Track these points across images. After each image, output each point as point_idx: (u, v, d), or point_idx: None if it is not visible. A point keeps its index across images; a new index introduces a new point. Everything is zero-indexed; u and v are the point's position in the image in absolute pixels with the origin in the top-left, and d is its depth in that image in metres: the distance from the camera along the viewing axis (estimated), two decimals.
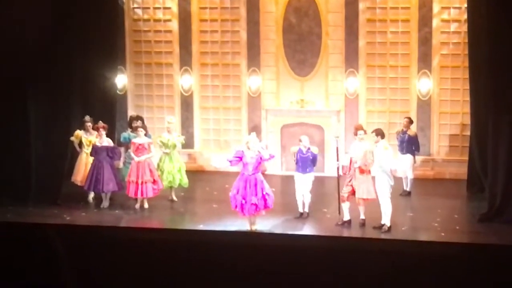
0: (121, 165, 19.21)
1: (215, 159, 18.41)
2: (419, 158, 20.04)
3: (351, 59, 21.77)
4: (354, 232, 15.72)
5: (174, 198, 18.43)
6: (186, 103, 22.99)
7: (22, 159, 17.83)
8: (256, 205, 15.36)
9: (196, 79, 22.84)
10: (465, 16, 19.57)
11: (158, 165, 18.13)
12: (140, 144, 17.64)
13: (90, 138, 18.35)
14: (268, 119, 22.40)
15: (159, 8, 22.80)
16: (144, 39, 23.03)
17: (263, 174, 16.25)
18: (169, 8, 22.67)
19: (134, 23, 23.05)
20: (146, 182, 17.48)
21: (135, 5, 23.00)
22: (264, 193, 15.45)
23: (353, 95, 21.91)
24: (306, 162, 16.54)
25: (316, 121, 22.09)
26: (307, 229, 16.13)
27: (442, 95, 21.46)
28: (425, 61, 21.34)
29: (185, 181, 18.39)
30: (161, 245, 6.12)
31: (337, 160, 16.67)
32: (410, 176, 19.02)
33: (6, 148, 17.70)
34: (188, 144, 21.55)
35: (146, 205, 17.70)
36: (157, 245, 6.12)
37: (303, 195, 16.61)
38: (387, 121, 21.52)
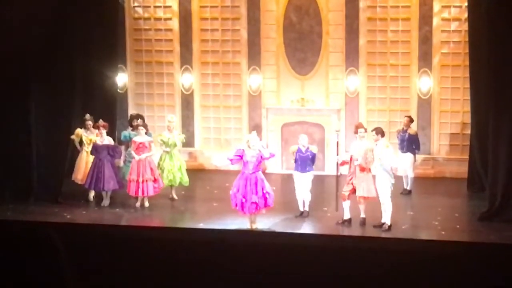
0: (121, 163, 19.21)
1: (216, 157, 18.42)
2: (419, 157, 20.04)
3: (351, 57, 21.77)
4: (355, 230, 15.72)
5: (175, 196, 18.43)
6: (187, 101, 22.99)
7: (23, 157, 17.85)
8: (256, 203, 15.36)
9: (196, 77, 22.84)
10: (466, 15, 19.57)
11: (159, 164, 18.13)
12: (140, 143, 17.65)
13: (91, 136, 18.35)
14: (269, 117, 22.39)
15: (159, 6, 22.79)
16: (144, 38, 23.03)
17: (263, 172, 16.26)
18: (169, 6, 22.67)
19: (135, 22, 23.05)
20: (146, 181, 17.48)
21: (136, 4, 22.99)
22: (264, 191, 15.45)
23: (354, 93, 21.91)
24: (305, 161, 16.53)
25: (316, 119, 22.08)
26: (308, 228, 16.13)
27: (443, 94, 21.46)
28: (425, 59, 21.34)
29: (186, 179, 18.39)
30: (162, 244, 6.12)
31: (337, 155, 16.68)
32: (411, 175, 19.02)
33: (7, 146, 17.71)
34: (188, 142, 21.57)
35: (146, 204, 17.70)
36: (157, 243, 6.13)
37: (303, 194, 16.60)
38: (388, 119, 21.53)
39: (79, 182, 18.50)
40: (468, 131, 19.85)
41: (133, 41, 23.10)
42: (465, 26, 19.82)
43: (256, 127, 21.12)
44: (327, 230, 15.84)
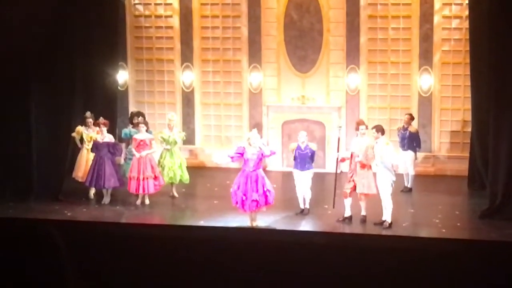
0: (122, 161, 19.21)
1: (216, 155, 18.39)
2: (420, 154, 20.02)
3: (352, 55, 21.76)
4: (355, 228, 15.72)
5: (175, 194, 18.43)
6: (187, 99, 22.99)
7: (24, 155, 17.84)
8: (257, 201, 15.36)
9: (197, 75, 22.84)
10: (467, 13, 19.56)
11: (159, 161, 18.13)
12: (141, 140, 17.64)
13: (91, 134, 18.35)
14: (269, 115, 22.39)
15: (160, 4, 22.79)
16: (145, 35, 23.03)
17: (264, 170, 16.26)
18: (170, 4, 22.66)
19: (135, 19, 23.05)
20: (147, 178, 17.48)
21: (136, 1, 22.99)
22: (265, 189, 15.45)
23: (354, 91, 21.91)
24: (305, 159, 16.48)
25: (317, 117, 22.07)
26: (308, 225, 16.13)
27: (443, 92, 21.45)
28: (426, 57, 21.33)
29: (186, 177, 18.39)
30: (162, 241, 6.12)
31: (337, 151, 16.68)
32: (411, 172, 19.02)
33: (7, 144, 17.71)
34: (189, 140, 21.59)
35: (147, 201, 17.70)
36: (158, 241, 6.13)
37: (303, 191, 16.59)
38: (388, 117, 21.53)
39: (80, 180, 18.50)
40: (469, 129, 19.85)
41: (134, 39, 23.09)
42: (466, 24, 19.82)
43: (256, 125, 21.07)
44: (328, 228, 15.84)
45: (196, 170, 21.02)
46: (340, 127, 18.09)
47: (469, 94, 19.26)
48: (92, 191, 18.29)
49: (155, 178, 17.61)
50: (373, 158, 15.62)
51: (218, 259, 5.88)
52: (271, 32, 22.22)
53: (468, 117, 19.95)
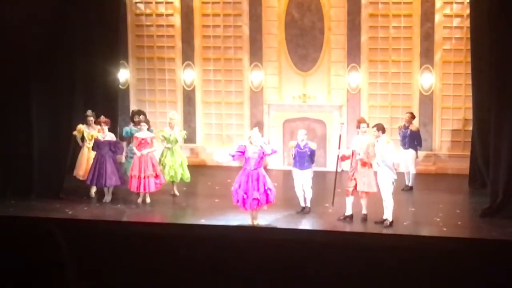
0: (123, 159, 19.22)
1: (217, 153, 18.43)
2: (421, 153, 20.02)
3: (353, 54, 21.76)
4: (356, 227, 15.72)
5: (176, 192, 18.44)
6: (188, 97, 23.00)
7: (25, 153, 17.87)
8: (258, 199, 15.36)
9: (198, 73, 22.84)
10: (468, 11, 19.58)
11: (160, 160, 18.13)
12: (143, 139, 17.65)
13: (92, 132, 18.36)
14: (270, 114, 22.40)
15: (161, 2, 22.79)
16: (146, 34, 23.03)
17: (264, 168, 16.26)
18: (171, 2, 22.67)
19: (136, 18, 23.05)
20: (148, 177, 17.48)
21: (137, 0, 22.99)
22: (266, 188, 15.45)
23: (355, 90, 21.91)
24: (304, 157, 16.43)
25: (318, 116, 22.09)
26: (309, 224, 16.13)
27: (444, 90, 21.45)
28: (427, 56, 21.33)
29: (187, 175, 18.40)
30: (163, 240, 6.13)
31: (339, 148, 16.67)
32: (412, 171, 19.02)
33: (9, 142, 17.73)
34: (190, 138, 21.62)
35: (148, 200, 17.71)
36: (159, 239, 6.13)
37: (303, 190, 16.57)
38: (389, 116, 21.53)
39: (81, 178, 18.51)
40: (470, 128, 19.84)
41: (135, 37, 23.10)
42: (467, 23, 19.83)
43: (257, 123, 21.06)
44: (329, 226, 15.85)
45: (197, 168, 21.04)
46: (342, 123, 18.14)
47: (470, 93, 19.26)
48: (93, 190, 18.30)
49: (156, 176, 17.61)
50: (374, 156, 15.62)
51: (219, 257, 5.88)
52: (272, 30, 22.22)
53: (469, 115, 19.94)
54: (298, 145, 16.54)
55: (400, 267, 5.77)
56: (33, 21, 17.25)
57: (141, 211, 17.33)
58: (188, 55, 22.79)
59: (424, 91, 21.47)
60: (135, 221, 16.30)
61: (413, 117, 19.28)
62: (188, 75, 22.87)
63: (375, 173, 15.77)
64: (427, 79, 21.40)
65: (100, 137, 17.85)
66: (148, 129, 18.04)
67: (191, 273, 5.90)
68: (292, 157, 16.70)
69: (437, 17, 21.14)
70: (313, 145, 16.61)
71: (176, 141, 18.32)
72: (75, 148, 19.06)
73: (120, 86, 22.62)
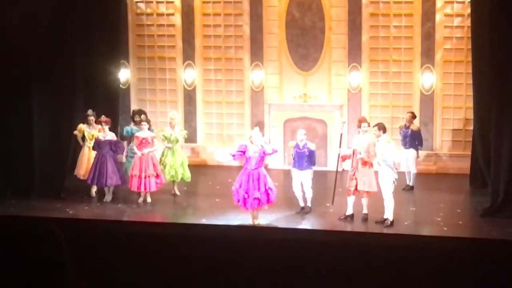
0: (124, 159, 19.23)
1: (218, 153, 18.42)
2: (422, 152, 20.02)
3: (354, 53, 21.75)
4: (357, 226, 15.72)
5: (177, 192, 18.44)
6: (189, 97, 23.00)
7: (25, 153, 17.87)
8: (258, 199, 15.36)
9: (199, 73, 22.84)
10: (469, 11, 19.56)
11: (161, 159, 18.13)
12: (143, 138, 17.65)
13: (93, 132, 18.37)
14: (271, 113, 22.40)
15: (162, 2, 22.78)
16: (147, 33, 23.04)
17: (265, 168, 16.26)
18: (172, 2, 22.66)
19: (137, 17, 23.05)
20: (149, 176, 17.48)
21: None
22: (267, 187, 15.45)
23: (356, 89, 21.90)
24: (303, 157, 16.41)
25: (319, 115, 22.09)
26: (310, 224, 16.13)
27: (445, 90, 21.44)
28: (428, 55, 21.33)
29: (188, 175, 18.40)
30: (164, 239, 6.13)
31: (339, 147, 16.66)
32: (413, 170, 19.02)
33: (9, 142, 17.73)
34: (191, 138, 21.62)
35: (148, 199, 17.71)
36: (159, 239, 6.13)
37: (302, 191, 16.52)
38: (390, 115, 21.52)
39: (81, 178, 18.52)
40: (471, 127, 19.83)
41: (136, 37, 23.10)
42: (468, 22, 19.82)
43: (258, 123, 21.08)
44: (329, 226, 15.85)
45: (198, 168, 21.04)
46: (344, 122, 18.18)
47: (471, 92, 19.25)
48: (94, 189, 18.30)
49: (157, 176, 17.61)
50: (375, 156, 15.63)
51: (219, 257, 5.88)
52: (273, 30, 22.22)
53: (470, 115, 19.94)
54: (297, 145, 16.52)
55: (400, 267, 5.77)
56: (33, 21, 17.25)
57: (141, 210, 17.33)
58: (188, 55, 22.79)
59: (425, 90, 21.47)
60: (136, 220, 16.31)
61: (414, 116, 19.28)
62: (189, 75, 22.88)
63: (376, 172, 15.77)
64: (428, 79, 21.39)
65: (101, 136, 17.85)
66: (149, 129, 18.03)
67: (191, 272, 5.90)
68: (292, 157, 16.70)
69: (438, 17, 21.13)
70: (312, 146, 16.56)
71: (177, 141, 18.33)
72: (76, 147, 19.07)
73: (120, 85, 22.61)
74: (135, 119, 19.27)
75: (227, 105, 22.86)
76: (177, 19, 22.72)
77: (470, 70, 19.10)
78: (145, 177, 17.45)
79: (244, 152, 15.55)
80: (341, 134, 16.88)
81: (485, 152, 17.96)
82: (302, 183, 16.44)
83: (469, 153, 19.78)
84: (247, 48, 22.44)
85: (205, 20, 22.62)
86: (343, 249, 5.95)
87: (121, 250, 5.98)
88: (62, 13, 17.91)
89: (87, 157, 18.54)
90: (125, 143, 19.28)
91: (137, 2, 22.98)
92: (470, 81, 19.14)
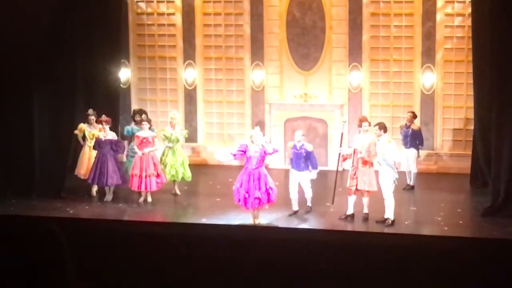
0: (124, 158, 19.23)
1: (219, 152, 18.43)
2: (422, 152, 20.03)
3: (354, 53, 21.75)
4: (357, 226, 15.72)
5: (177, 192, 18.44)
6: (190, 96, 22.99)
7: (26, 152, 17.88)
8: (259, 199, 15.36)
9: (199, 73, 22.84)
10: (469, 10, 19.56)
11: (161, 159, 18.13)
12: (144, 138, 17.65)
13: (94, 131, 18.38)
14: (272, 113, 22.39)
15: (162, 1, 22.78)
16: (147, 33, 23.03)
17: (266, 168, 16.26)
18: (172, 1, 22.66)
19: (138, 17, 23.05)
20: (149, 176, 17.48)
21: None
22: (267, 187, 15.45)
23: (357, 89, 21.90)
24: (300, 158, 16.37)
25: (319, 115, 22.08)
26: (310, 223, 16.12)
27: (446, 89, 21.44)
28: (428, 55, 21.32)
29: (188, 174, 18.40)
30: (164, 239, 6.12)
31: (340, 146, 16.65)
32: (414, 170, 19.01)
33: (10, 142, 17.73)
34: (191, 138, 21.62)
35: (149, 199, 17.70)
36: (160, 238, 6.13)
37: (297, 192, 16.47)
38: (391, 115, 21.52)
39: (82, 177, 18.53)
40: (471, 127, 19.82)
41: (136, 36, 23.10)
42: (469, 22, 19.82)
43: (259, 123, 21.08)
44: (330, 226, 15.85)
45: (199, 167, 21.03)
46: (344, 122, 18.20)
47: (471, 92, 19.25)
48: (95, 189, 18.31)
49: (157, 175, 17.61)
50: (375, 155, 15.63)
51: (220, 257, 5.88)
52: (274, 29, 22.21)
53: (471, 115, 19.93)
54: (294, 146, 16.49)
55: (401, 267, 5.77)
56: (33, 21, 17.24)
57: (142, 210, 17.34)
58: (189, 54, 22.78)
59: (426, 90, 21.46)
60: (136, 220, 16.32)
61: (414, 116, 19.28)
62: (190, 74, 22.88)
63: (376, 172, 15.77)
64: (428, 78, 21.39)
65: (102, 136, 17.86)
66: (150, 128, 18.04)
67: (192, 272, 5.90)
68: (289, 158, 16.69)
69: (439, 16, 21.12)
70: (309, 147, 16.47)
71: (178, 140, 18.33)
72: (77, 147, 19.07)
73: (121, 85, 22.60)
74: (135, 118, 19.28)
75: (227, 104, 22.86)
76: (178, 19, 22.72)
77: (470, 70, 19.11)
78: (145, 177, 17.45)
79: (244, 152, 15.55)
80: (342, 134, 16.89)
81: (485, 151, 17.96)
82: (301, 184, 16.42)
83: (470, 152, 19.77)
84: (248, 47, 22.44)
85: (206, 20, 22.61)
86: (343, 248, 5.95)
87: (121, 250, 5.98)
88: (62, 13, 17.91)
89: (88, 156, 18.54)
90: (125, 142, 19.28)
91: (137, 1, 22.98)
92: (471, 81, 19.15)
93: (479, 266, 5.74)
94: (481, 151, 18.52)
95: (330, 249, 5.91)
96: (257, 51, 22.36)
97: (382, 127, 15.82)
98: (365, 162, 15.72)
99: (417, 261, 5.79)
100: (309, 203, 16.62)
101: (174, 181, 18.32)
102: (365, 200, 15.89)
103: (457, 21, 21.10)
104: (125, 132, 19.51)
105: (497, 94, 16.55)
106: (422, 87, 21.47)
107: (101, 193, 18.14)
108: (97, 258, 5.75)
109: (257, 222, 15.70)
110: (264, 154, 15.58)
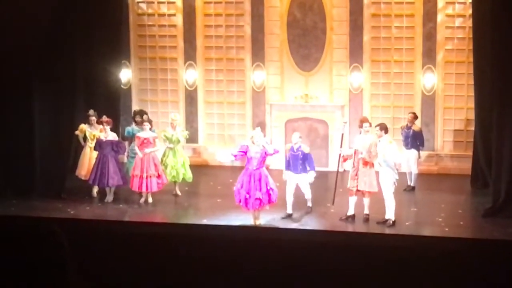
0: (125, 159, 19.23)
1: (220, 153, 18.43)
2: (423, 153, 20.03)
3: (355, 54, 21.75)
4: (358, 227, 15.71)
5: (178, 192, 18.44)
6: (191, 97, 23.00)
7: (27, 153, 17.88)
8: (260, 199, 15.36)
9: (200, 73, 22.84)
10: (470, 11, 19.55)
11: (162, 160, 18.13)
12: (145, 138, 17.65)
13: (94, 132, 18.38)
14: (273, 114, 22.39)
15: (163, 2, 22.79)
16: (148, 34, 23.04)
17: (267, 168, 16.25)
18: (173, 2, 22.66)
19: (139, 18, 23.06)
20: (150, 177, 17.48)
21: (140, 0, 22.99)
22: (268, 188, 15.45)
23: (358, 90, 21.90)
24: (296, 160, 16.36)
25: (320, 116, 22.08)
26: (311, 224, 16.11)
27: (447, 90, 21.44)
28: (429, 56, 21.32)
29: (189, 175, 18.39)
30: (165, 240, 6.13)
31: (341, 147, 16.64)
32: (414, 171, 19.01)
33: (10, 142, 17.74)
34: (192, 138, 21.62)
35: (150, 200, 17.70)
36: (160, 239, 6.13)
37: (297, 194, 16.46)
38: (392, 116, 21.51)
39: (83, 178, 18.53)
40: (472, 128, 19.82)
41: (137, 37, 23.11)
42: (470, 23, 19.81)
43: (260, 123, 21.07)
44: (331, 226, 15.85)
45: (199, 168, 21.03)
46: (345, 123, 18.20)
47: (472, 93, 19.24)
48: (95, 189, 18.30)
49: (158, 176, 17.61)
50: (376, 156, 15.62)
51: (221, 257, 5.88)
52: (274, 30, 22.21)
53: (471, 115, 19.93)
54: (291, 148, 16.47)
55: (402, 267, 5.77)
56: (33, 21, 17.24)
57: (143, 211, 17.33)
58: (190, 55, 22.79)
59: (426, 91, 21.46)
60: (137, 221, 16.32)
61: (415, 117, 19.28)
62: (190, 75, 22.88)
63: (377, 173, 15.77)
64: (429, 79, 21.38)
65: (102, 136, 17.85)
66: (150, 129, 18.03)
67: (193, 273, 5.90)
68: (286, 160, 16.66)
69: (440, 17, 21.12)
70: (306, 149, 16.41)
71: (178, 141, 18.32)
72: (77, 147, 19.07)
73: (122, 85, 22.60)
74: (136, 119, 19.27)
75: (228, 105, 22.86)
76: (179, 20, 22.73)
77: (471, 71, 19.10)
78: (146, 178, 17.45)
79: (245, 153, 15.55)
80: (342, 135, 16.89)
81: (486, 152, 17.95)
82: (299, 186, 16.40)
83: (471, 153, 19.76)
84: (249, 48, 22.44)
85: (207, 21, 22.62)
86: (344, 249, 5.95)
87: (122, 250, 5.98)
88: (62, 13, 17.91)
89: (89, 157, 18.54)
90: (126, 143, 19.28)
91: (138, 2, 22.98)
92: (472, 82, 19.14)
93: (480, 267, 5.74)
94: (481, 152, 18.51)
95: (330, 250, 5.91)
96: (258, 52, 22.37)
97: (383, 128, 15.81)
98: (365, 163, 15.72)
99: (418, 262, 5.79)
100: (309, 204, 16.62)
101: (175, 182, 18.32)
102: (366, 201, 15.88)
103: (458, 22, 21.10)
104: (125, 133, 19.50)
105: (498, 95, 16.55)
106: (423, 88, 21.47)
107: (102, 194, 18.14)
108: (98, 258, 5.75)
109: (257, 223, 15.69)
110: (265, 155, 15.58)
